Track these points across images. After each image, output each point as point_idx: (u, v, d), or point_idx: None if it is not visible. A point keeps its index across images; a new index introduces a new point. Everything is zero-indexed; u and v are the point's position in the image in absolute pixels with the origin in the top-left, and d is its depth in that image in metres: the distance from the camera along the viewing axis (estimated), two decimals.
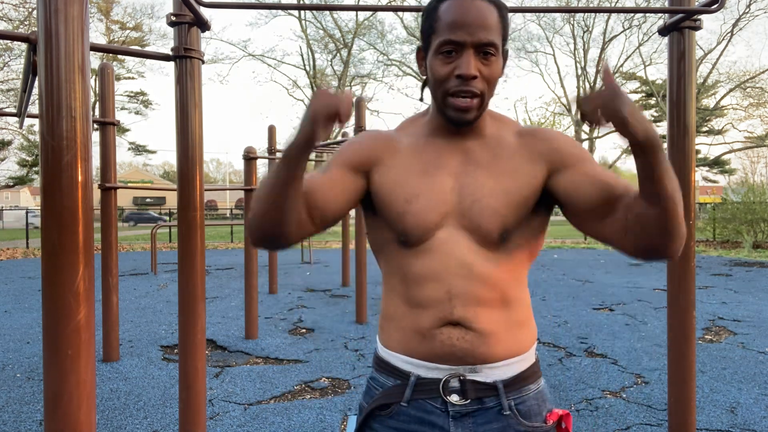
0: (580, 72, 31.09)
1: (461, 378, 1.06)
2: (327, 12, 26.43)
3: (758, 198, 16.10)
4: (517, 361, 1.09)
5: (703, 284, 8.84)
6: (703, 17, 2.20)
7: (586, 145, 31.92)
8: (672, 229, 0.94)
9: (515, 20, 32.88)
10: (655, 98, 31.24)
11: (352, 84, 30.06)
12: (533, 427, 1.09)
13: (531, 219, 1.09)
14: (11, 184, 28.32)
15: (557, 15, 28.61)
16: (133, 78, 32.09)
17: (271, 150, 7.69)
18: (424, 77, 1.12)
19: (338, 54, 29.09)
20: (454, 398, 1.06)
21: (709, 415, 3.43)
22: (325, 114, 0.92)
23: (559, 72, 40.20)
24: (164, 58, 2.28)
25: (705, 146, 34.09)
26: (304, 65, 29.19)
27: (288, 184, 0.97)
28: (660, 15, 2.95)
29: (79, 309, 1.28)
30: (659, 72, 32.53)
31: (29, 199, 64.10)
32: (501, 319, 1.07)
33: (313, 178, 1.07)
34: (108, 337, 4.72)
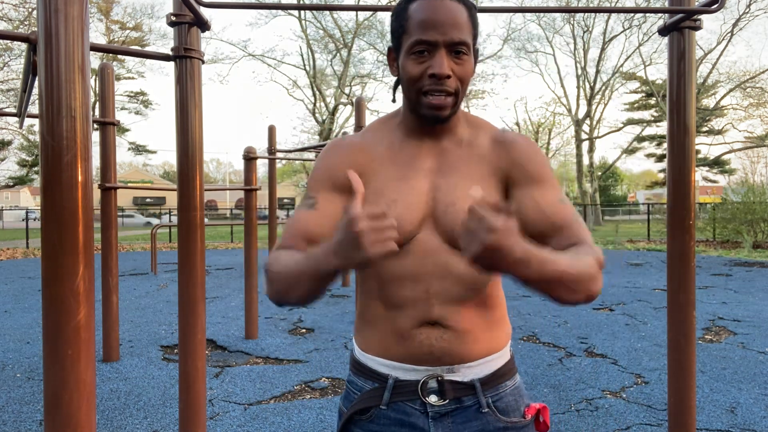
0: (580, 72, 31.07)
1: (439, 378, 1.07)
2: (327, 12, 26.43)
3: (758, 198, 16.09)
4: (494, 358, 1.11)
5: (703, 284, 8.84)
6: (703, 17, 2.20)
7: (586, 145, 31.92)
8: (569, 299, 0.93)
9: (515, 20, 32.89)
10: (655, 98, 31.24)
11: (352, 84, 30.06)
12: (512, 422, 1.10)
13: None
14: (11, 184, 28.33)
15: (557, 15, 28.60)
16: (133, 78, 32.11)
17: (271, 150, 7.69)
18: (396, 77, 1.11)
19: (338, 54, 29.08)
20: (433, 399, 1.07)
21: (709, 415, 3.43)
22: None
23: (559, 72, 40.21)
24: (164, 58, 2.28)
25: (705, 146, 34.13)
26: (304, 65, 29.19)
27: (323, 283, 0.94)
28: (660, 15, 2.95)
29: (79, 309, 1.28)
30: (659, 72, 32.55)
31: (29, 199, 64.09)
32: (478, 318, 1.08)
33: (309, 222, 1.06)
34: (108, 337, 4.72)
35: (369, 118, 6.12)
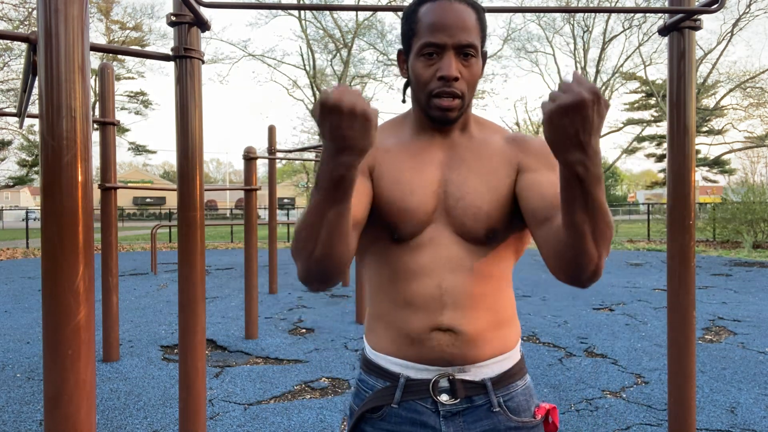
0: (580, 72, 31.07)
1: (450, 378, 1.08)
2: (327, 12, 26.44)
3: (758, 198, 16.08)
4: (505, 358, 1.11)
5: (703, 284, 8.84)
6: (703, 17, 2.20)
7: None
8: (578, 261, 0.91)
9: (515, 20, 32.89)
10: (655, 98, 31.23)
11: (352, 84, 30.04)
12: (522, 422, 1.11)
13: (515, 218, 1.10)
14: (11, 184, 28.32)
15: (557, 15, 28.60)
16: (133, 78, 32.08)
17: (271, 150, 7.69)
18: (406, 79, 1.13)
19: (338, 54, 29.08)
20: (444, 398, 1.08)
21: (709, 415, 3.43)
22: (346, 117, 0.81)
23: (559, 72, 40.16)
24: (164, 58, 2.28)
25: (705, 146, 34.12)
26: (304, 65, 29.18)
27: (344, 214, 0.90)
28: (660, 15, 2.95)
29: (79, 309, 1.28)
30: (659, 72, 32.53)
31: (29, 199, 64.08)
32: (489, 317, 1.08)
33: None
34: (108, 337, 4.72)
35: None
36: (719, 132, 32.57)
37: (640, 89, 33.37)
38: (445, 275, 1.06)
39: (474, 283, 1.06)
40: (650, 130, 34.81)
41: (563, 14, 28.71)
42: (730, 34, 26.80)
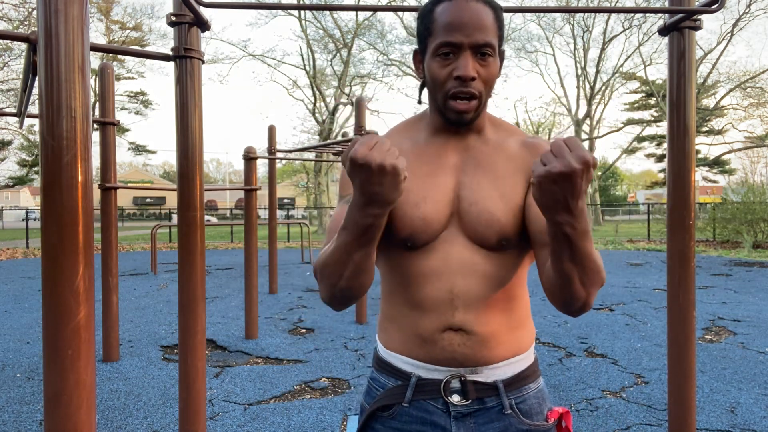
0: (580, 72, 31.07)
1: (462, 378, 1.07)
2: (327, 12, 26.43)
3: (758, 198, 16.09)
4: (517, 360, 1.10)
5: (703, 284, 8.84)
6: (703, 17, 2.20)
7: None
8: (566, 298, 0.95)
9: (515, 20, 32.88)
10: (655, 98, 31.23)
11: (352, 84, 30.05)
12: (534, 425, 1.09)
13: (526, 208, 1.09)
14: (11, 184, 28.31)
15: (557, 15, 28.60)
16: (133, 78, 32.07)
17: (271, 150, 7.69)
18: (422, 79, 1.11)
19: (338, 54, 29.07)
20: (455, 398, 1.07)
21: (709, 415, 3.43)
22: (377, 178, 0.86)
23: (559, 72, 40.18)
24: (164, 58, 2.28)
25: (705, 146, 34.12)
26: (304, 65, 29.17)
27: (370, 255, 0.96)
28: (660, 15, 2.95)
29: (79, 309, 1.28)
30: (659, 72, 32.54)
31: (29, 199, 64.08)
32: (502, 320, 1.07)
33: None
34: (108, 337, 4.72)
35: (369, 119, 6.09)
36: (719, 132, 32.58)
37: (640, 89, 33.37)
38: (456, 280, 1.05)
39: (486, 288, 1.05)
40: (650, 130, 34.83)
41: (563, 14, 28.69)
42: (730, 34, 26.80)
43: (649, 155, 37.57)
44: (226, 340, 5.44)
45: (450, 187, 1.08)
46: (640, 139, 34.73)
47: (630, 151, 35.32)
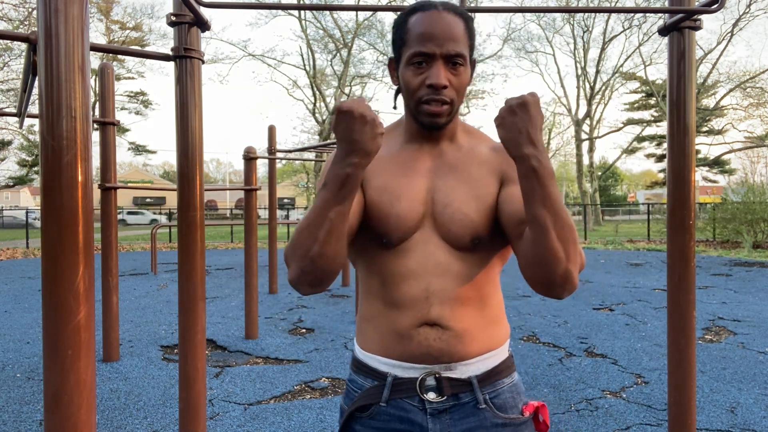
0: (580, 72, 31.07)
1: (437, 376, 1.10)
2: (327, 12, 26.42)
3: (758, 198, 16.08)
4: (491, 356, 1.13)
5: (703, 284, 8.84)
6: (703, 17, 2.20)
7: (586, 145, 31.92)
8: (545, 260, 0.96)
9: (515, 20, 32.88)
10: (655, 98, 31.23)
11: (352, 84, 30.05)
12: (510, 419, 1.13)
13: (500, 226, 1.13)
14: (11, 184, 28.33)
15: (557, 15, 28.59)
16: (133, 78, 32.09)
17: (271, 150, 7.69)
18: (397, 86, 1.17)
19: (338, 54, 29.08)
20: (431, 396, 1.10)
21: (709, 415, 3.43)
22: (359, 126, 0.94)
23: (559, 72, 40.22)
24: (164, 58, 2.28)
25: (705, 146, 34.12)
26: (304, 65, 29.18)
27: (344, 214, 0.98)
28: (660, 15, 2.95)
29: (79, 309, 1.28)
30: (659, 72, 32.53)
31: (29, 199, 64.09)
32: (476, 316, 1.11)
33: None
34: (108, 337, 4.72)
35: None
36: (719, 132, 32.58)
37: (640, 89, 33.36)
38: (432, 279, 1.09)
39: (460, 287, 1.10)
40: (650, 130, 34.82)
41: (563, 14, 28.69)
42: (730, 34, 26.80)
43: (649, 155, 37.57)
44: (226, 340, 5.44)
45: (424, 189, 1.13)
46: (640, 139, 34.73)
47: (630, 151, 35.31)
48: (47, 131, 1.25)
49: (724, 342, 5.23)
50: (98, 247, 6.45)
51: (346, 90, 29.42)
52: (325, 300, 7.71)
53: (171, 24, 2.18)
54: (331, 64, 29.96)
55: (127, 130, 34.98)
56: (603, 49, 29.85)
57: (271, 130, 7.72)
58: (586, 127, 31.90)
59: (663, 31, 2.25)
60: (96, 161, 5.91)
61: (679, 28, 2.19)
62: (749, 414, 3.45)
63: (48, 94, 1.24)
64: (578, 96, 31.68)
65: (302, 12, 26.71)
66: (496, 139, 1.21)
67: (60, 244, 1.26)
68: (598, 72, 30.41)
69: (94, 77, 15.55)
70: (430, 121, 1.10)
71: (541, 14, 28.75)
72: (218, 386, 4.07)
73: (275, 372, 4.42)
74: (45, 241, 1.28)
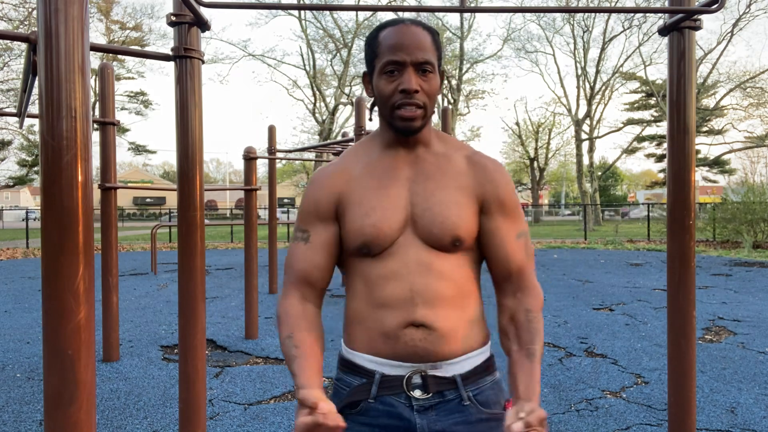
0: (580, 72, 31.07)
1: (423, 374, 1.15)
2: (327, 12, 26.41)
3: (758, 198, 16.08)
4: (474, 355, 1.18)
5: (703, 284, 8.84)
6: (703, 17, 2.20)
7: (586, 145, 31.94)
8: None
9: (515, 20, 32.89)
10: (655, 98, 31.23)
11: (352, 84, 30.05)
12: (493, 414, 1.18)
13: (479, 228, 1.21)
14: (11, 184, 28.33)
15: (557, 15, 28.59)
16: (133, 78, 32.09)
17: (271, 150, 7.69)
18: (372, 98, 1.23)
19: (338, 54, 29.07)
20: (417, 393, 1.15)
21: (709, 415, 3.43)
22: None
23: (559, 72, 40.20)
24: (164, 58, 2.28)
25: (705, 146, 34.15)
26: (304, 65, 29.18)
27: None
28: (660, 15, 2.95)
29: (79, 309, 1.28)
30: (659, 72, 32.53)
31: (29, 199, 64.09)
32: (459, 316, 1.16)
33: (306, 262, 1.20)
34: (108, 337, 4.72)
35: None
36: (719, 132, 32.58)
37: (640, 89, 33.36)
38: (415, 279, 1.14)
39: (443, 286, 1.15)
40: (650, 130, 34.83)
41: (563, 14, 28.68)
42: (730, 34, 26.81)
43: (649, 155, 37.58)
44: (226, 340, 5.44)
45: (403, 197, 1.18)
46: (640, 139, 34.73)
47: (630, 151, 35.32)
48: (47, 131, 1.25)
49: (724, 342, 5.23)
50: (98, 247, 6.45)
51: (346, 90, 29.40)
52: (325, 300, 7.72)
53: (171, 24, 2.18)
54: (331, 64, 29.97)
55: (127, 130, 34.98)
56: (603, 49, 29.86)
57: (271, 130, 7.72)
58: (586, 127, 31.90)
59: (663, 31, 2.25)
60: (96, 161, 5.91)
61: (679, 28, 2.19)
62: (749, 414, 3.45)
63: (48, 94, 1.24)
64: (578, 96, 31.68)
65: (302, 12, 26.71)
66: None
67: (60, 244, 1.26)
68: (598, 72, 30.41)
69: (94, 77, 15.55)
70: (405, 125, 1.15)
71: (541, 14, 28.75)
72: (218, 386, 4.07)
73: (275, 372, 4.42)
74: (45, 241, 1.28)
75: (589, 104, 31.05)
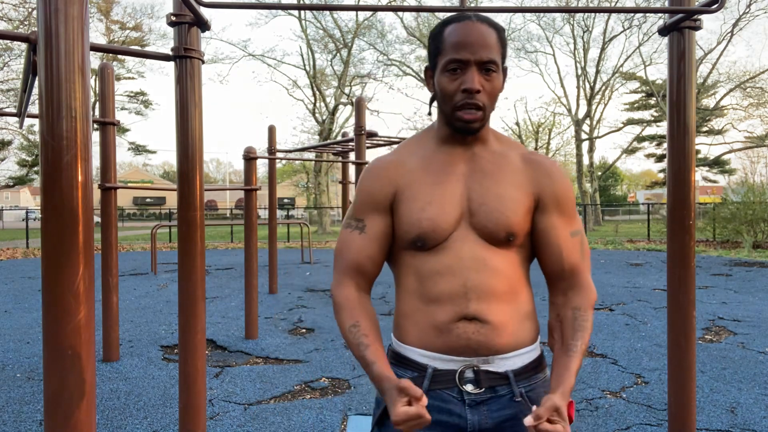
0: (580, 72, 31.06)
1: (475, 368, 1.15)
2: (327, 12, 26.41)
3: (758, 198, 16.07)
4: (526, 352, 1.19)
5: (703, 284, 8.84)
6: (703, 17, 2.20)
7: (586, 145, 31.94)
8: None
9: (515, 20, 32.87)
10: (655, 98, 31.22)
11: (352, 84, 30.04)
12: None
13: (532, 226, 1.22)
14: (11, 184, 28.33)
15: (557, 15, 28.59)
16: (133, 78, 32.06)
17: (271, 150, 7.69)
18: (432, 93, 1.22)
19: (338, 54, 29.06)
20: (469, 387, 1.15)
21: (709, 415, 3.43)
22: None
23: (559, 72, 40.16)
24: (164, 58, 2.28)
25: (705, 146, 34.14)
26: (304, 65, 29.16)
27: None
28: (660, 15, 2.95)
29: (79, 309, 1.28)
30: (659, 72, 32.51)
31: (29, 199, 64.09)
32: (511, 311, 1.16)
33: (360, 252, 1.20)
34: (108, 337, 4.72)
35: (369, 119, 6.10)
36: (719, 132, 32.56)
37: (640, 89, 33.34)
38: (469, 275, 1.14)
39: (496, 281, 1.15)
40: (650, 130, 34.81)
41: (563, 14, 28.67)
42: (730, 34, 26.80)
43: (649, 155, 37.56)
44: (226, 340, 5.44)
45: (458, 193, 1.18)
46: (640, 139, 34.71)
47: (630, 151, 35.30)
48: (47, 131, 1.25)
49: (724, 342, 5.23)
50: (98, 247, 6.45)
51: (346, 90, 29.40)
52: (325, 300, 7.71)
53: (171, 24, 2.18)
54: (331, 64, 29.95)
55: (127, 130, 34.95)
56: (603, 49, 29.84)
57: (271, 130, 7.72)
58: (586, 127, 31.88)
59: (663, 31, 2.25)
60: (96, 161, 5.91)
61: (679, 28, 2.19)
62: (749, 414, 3.45)
63: (48, 94, 1.24)
64: (578, 96, 31.66)
65: (302, 12, 26.71)
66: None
67: (60, 244, 1.26)
68: (598, 72, 30.39)
69: (94, 77, 15.55)
70: (464, 126, 1.15)
71: (541, 14, 28.75)
72: (218, 386, 4.07)
73: (275, 372, 4.42)
74: (45, 241, 1.28)
75: (589, 104, 31.04)
